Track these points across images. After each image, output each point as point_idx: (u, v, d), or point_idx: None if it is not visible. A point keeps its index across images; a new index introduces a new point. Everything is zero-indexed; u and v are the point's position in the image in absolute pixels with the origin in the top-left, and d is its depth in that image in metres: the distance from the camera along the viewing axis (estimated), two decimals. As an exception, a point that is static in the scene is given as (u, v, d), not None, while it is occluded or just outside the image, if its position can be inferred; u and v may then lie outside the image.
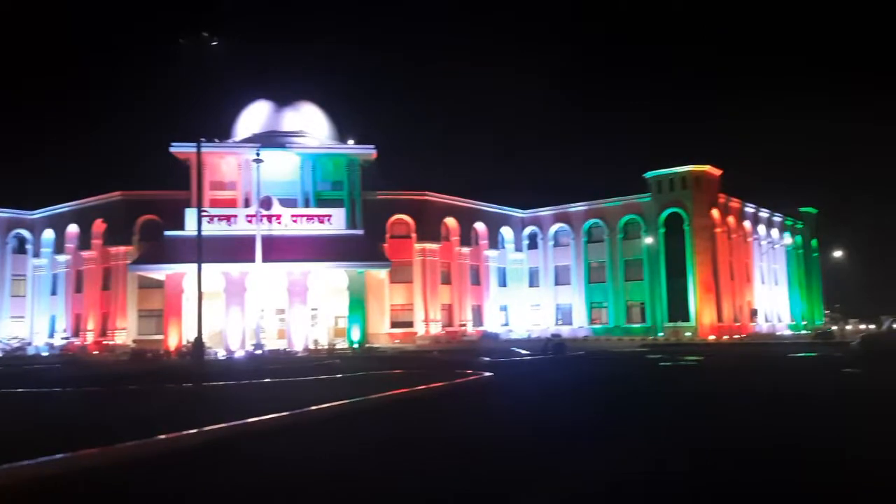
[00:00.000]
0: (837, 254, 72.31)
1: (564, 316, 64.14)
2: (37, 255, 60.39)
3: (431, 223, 57.52)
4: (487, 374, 20.48)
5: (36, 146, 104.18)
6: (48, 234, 59.88)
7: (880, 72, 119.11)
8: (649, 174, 59.67)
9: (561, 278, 64.68)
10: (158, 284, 49.02)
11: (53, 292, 59.28)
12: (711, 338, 53.02)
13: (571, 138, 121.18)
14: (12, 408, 15.29)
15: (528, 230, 66.37)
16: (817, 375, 20.76)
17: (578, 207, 64.19)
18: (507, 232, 65.09)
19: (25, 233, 60.73)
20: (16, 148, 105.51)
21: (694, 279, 56.85)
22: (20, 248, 60.66)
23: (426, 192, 57.91)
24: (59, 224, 59.10)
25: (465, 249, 60.22)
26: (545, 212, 65.82)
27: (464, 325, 58.80)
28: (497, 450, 8.98)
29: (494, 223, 63.68)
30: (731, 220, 61.77)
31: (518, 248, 65.68)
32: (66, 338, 56.17)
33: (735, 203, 62.80)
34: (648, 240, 58.79)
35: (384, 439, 10.04)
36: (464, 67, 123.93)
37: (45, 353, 53.47)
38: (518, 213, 66.03)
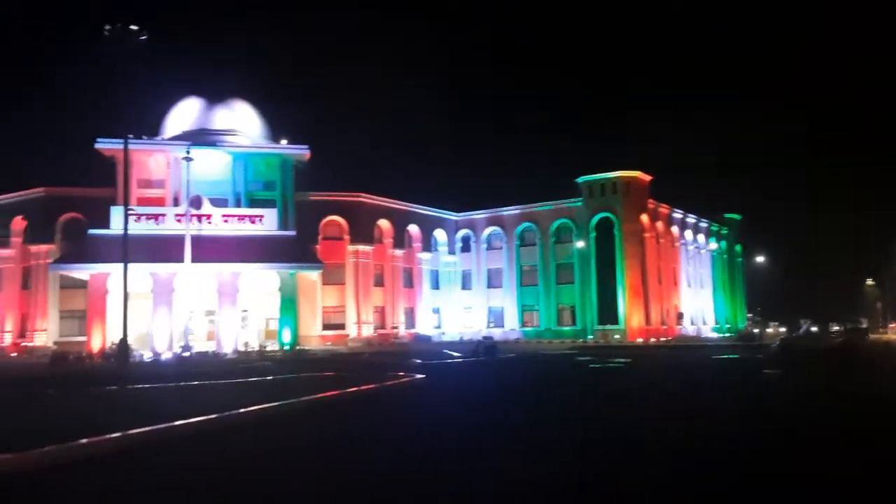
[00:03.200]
0: (759, 259, 76.02)
1: (496, 318, 65.12)
2: (-52, 252, 57.11)
3: (365, 225, 57.47)
4: (419, 376, 20.80)
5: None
6: (-38, 231, 56.73)
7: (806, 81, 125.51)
8: (581, 179, 61.28)
9: (493, 281, 65.63)
10: (82, 284, 47.26)
11: (-34, 292, 56.19)
12: (639, 340, 54.80)
13: (505, 142, 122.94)
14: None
15: (461, 233, 67.07)
16: (738, 376, 21.95)
17: (511, 211, 65.30)
18: (440, 235, 65.60)
19: (-64, 229, 57.35)
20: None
21: (623, 283, 58.66)
22: (-71, 245, 57.23)
23: (360, 194, 57.82)
24: (-27, 221, 56.05)
25: (399, 252, 60.40)
26: (478, 215, 66.67)
27: (396, 328, 58.96)
28: (423, 448, 9.30)
29: (428, 226, 64.11)
30: (659, 225, 64.02)
31: (451, 251, 66.30)
32: (-20, 340, 53.43)
33: (664, 209, 65.13)
34: (579, 244, 60.37)
35: (311, 441, 10.21)
36: (398, 68, 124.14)
37: (-44, 356, 50.76)
38: (452, 216, 66.66)
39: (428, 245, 63.76)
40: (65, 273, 47.73)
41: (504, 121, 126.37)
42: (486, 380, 21.86)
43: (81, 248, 46.00)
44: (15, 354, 48.80)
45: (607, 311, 58.81)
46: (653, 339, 55.90)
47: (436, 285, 64.73)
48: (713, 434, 10.07)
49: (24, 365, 36.64)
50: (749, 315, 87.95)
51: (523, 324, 63.73)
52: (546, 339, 58.50)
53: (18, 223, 53.39)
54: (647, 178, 61.22)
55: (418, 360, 30.68)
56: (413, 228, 62.48)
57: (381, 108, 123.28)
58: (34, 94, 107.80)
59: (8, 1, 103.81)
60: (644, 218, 60.94)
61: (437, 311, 64.63)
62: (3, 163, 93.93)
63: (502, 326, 63.84)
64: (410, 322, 61.08)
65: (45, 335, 50.56)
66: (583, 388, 18.38)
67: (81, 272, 45.84)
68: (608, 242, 59.77)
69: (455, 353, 37.34)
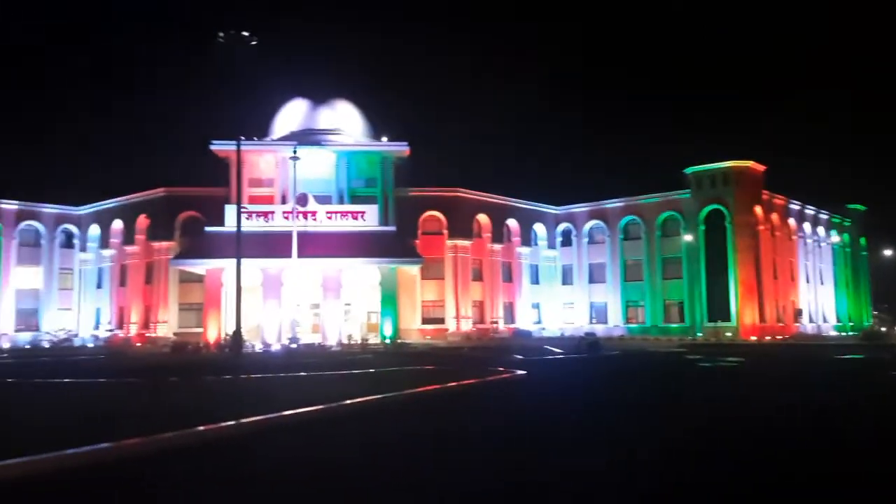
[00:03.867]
0: (887, 252, 70.32)
1: (599, 314, 63.62)
2: (83, 249, 62.18)
3: (463, 220, 57.58)
4: (520, 372, 20.50)
5: (83, 144, 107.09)
6: (94, 230, 61.58)
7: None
8: (689, 170, 58.73)
9: (595, 276, 64.13)
10: (198, 279, 50.11)
11: (99, 286, 60.98)
12: (753, 338, 52.02)
13: (608, 133, 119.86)
14: (60, 397, 15.88)
15: (561, 227, 65.92)
16: (864, 378, 20.31)
17: (615, 204, 63.53)
18: (539, 228, 64.76)
19: (73, 228, 62.55)
20: (63, 146, 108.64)
21: (735, 278, 55.82)
22: (68, 242, 62.49)
23: (458, 189, 58.00)
24: (104, 220, 60.74)
25: (497, 246, 60.14)
26: (580, 208, 65.30)
27: (495, 323, 58.77)
28: (523, 448, 9.04)
29: (527, 220, 63.44)
30: (774, 217, 60.48)
31: (551, 245, 65.32)
32: (111, 330, 57.77)
33: (779, 200, 61.47)
34: (688, 237, 57.90)
35: (416, 434, 10.17)
36: (497, 62, 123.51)
37: (90, 345, 55.14)
38: (552, 210, 65.65)
39: (527, 239, 63.13)
40: (183, 268, 50.74)
41: (605, 111, 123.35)
42: (591, 377, 21.25)
43: (198, 245, 48.72)
44: (139, 344, 52.35)
45: (718, 308, 56.15)
46: (767, 338, 52.86)
47: (535, 280, 64.01)
48: (845, 438, 9.21)
49: (148, 354, 39.23)
50: (875, 313, 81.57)
51: (627, 320, 61.93)
52: (652, 336, 56.56)
53: (142, 221, 57.22)
54: (761, 167, 57.90)
55: (519, 356, 30.35)
56: (512, 222, 62.04)
57: (479, 103, 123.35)
58: (154, 99, 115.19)
59: (124, 8, 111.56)
60: (758, 210, 57.68)
61: (536, 306, 63.91)
62: (129, 166, 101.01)
63: (605, 322, 62.31)
64: (509, 317, 60.73)
65: (166, 326, 53.94)
66: (694, 388, 17.46)
67: (198, 267, 48.58)
68: (719, 236, 56.99)
69: (556, 350, 36.69)
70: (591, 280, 64.27)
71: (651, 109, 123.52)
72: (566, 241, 65.67)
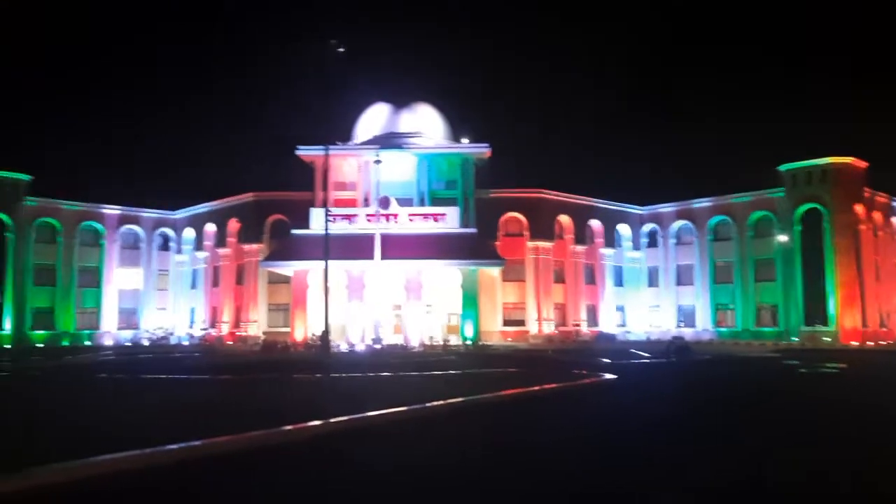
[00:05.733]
0: None
1: (686, 318, 61.54)
2: (179, 251, 65.32)
3: (545, 221, 56.95)
4: (608, 375, 20.00)
5: (177, 150, 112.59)
6: (189, 233, 64.63)
7: None
8: (783, 167, 55.98)
9: (683, 278, 62.07)
10: (286, 280, 51.72)
11: (193, 286, 63.92)
12: (854, 344, 49.06)
13: (695, 130, 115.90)
14: (159, 393, 16.66)
15: (646, 227, 64.17)
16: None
17: (703, 203, 61.30)
18: (624, 229, 63.27)
19: (169, 231, 65.85)
20: (160, 153, 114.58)
21: (834, 280, 52.79)
22: (164, 245, 65.82)
23: (539, 190, 57.43)
24: (198, 223, 63.65)
25: (580, 248, 59.16)
26: (666, 208, 63.38)
27: (578, 325, 57.81)
28: (615, 456, 8.74)
29: (610, 220, 62.11)
30: (877, 216, 56.86)
31: (636, 247, 63.70)
32: (205, 328, 60.43)
33: (882, 198, 57.72)
34: (782, 237, 55.17)
35: (502, 440, 10.03)
36: (578, 58, 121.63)
37: (185, 343, 57.92)
38: (636, 210, 64.02)
39: (611, 240, 61.82)
40: (272, 269, 52.48)
41: (691, 107, 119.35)
42: (683, 382, 20.48)
43: (285, 247, 50.28)
44: (231, 342, 54.48)
45: (815, 311, 53.21)
46: (870, 343, 49.69)
47: (619, 282, 62.60)
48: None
49: (240, 352, 40.75)
50: None
51: (717, 324, 59.61)
52: (743, 341, 54.21)
53: (233, 225, 59.59)
54: (863, 164, 54.51)
55: (604, 360, 29.68)
56: (595, 223, 60.90)
57: (559, 103, 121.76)
58: (243, 106, 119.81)
59: (211, 19, 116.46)
60: (858, 208, 54.34)
61: (620, 308, 62.47)
62: (221, 171, 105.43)
63: (693, 326, 60.19)
64: (592, 320, 59.62)
65: (256, 326, 55.92)
66: (797, 396, 16.51)
67: (286, 269, 50.13)
68: (815, 236, 54.05)
69: (643, 353, 35.67)
70: (679, 282, 62.26)
71: (740, 105, 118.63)
72: (652, 242, 63.88)
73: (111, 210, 62.65)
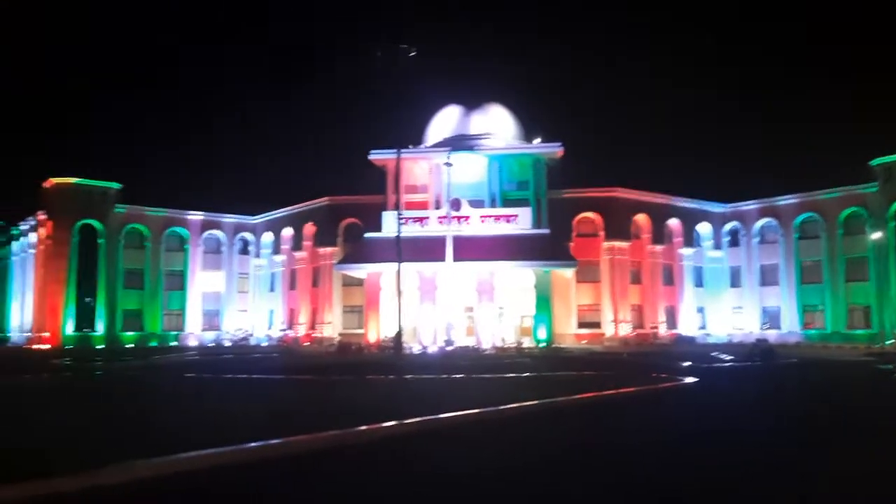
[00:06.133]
0: None
1: (771, 319, 58.86)
2: (258, 255, 67.46)
3: (620, 220, 55.66)
4: (689, 379, 19.27)
5: (257, 157, 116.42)
6: (267, 238, 66.66)
7: None
8: (876, 161, 52.79)
9: (767, 278, 59.42)
10: (359, 282, 52.53)
11: (272, 289, 65.85)
12: (956, 347, 45.69)
13: (777, 123, 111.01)
14: (240, 392, 17.12)
15: (728, 226, 61.75)
16: None
17: (788, 200, 58.51)
18: (703, 228, 61.12)
19: (248, 236, 68.12)
20: (240, 159, 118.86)
21: (932, 279, 49.38)
22: (244, 249, 68.13)
23: (614, 189, 56.19)
24: (276, 227, 65.56)
25: (657, 247, 57.51)
26: (748, 206, 60.83)
27: (656, 328, 56.19)
28: (692, 465, 8.28)
29: (690, 219, 60.10)
30: (981, 211, 52.83)
31: (717, 246, 61.42)
32: (283, 330, 62.13)
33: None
34: (876, 235, 52.02)
35: (578, 444, 9.71)
36: (655, 53, 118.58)
37: (264, 344, 59.69)
38: (716, 208, 61.72)
39: (690, 240, 59.82)
40: (345, 272, 53.42)
41: (774, 99, 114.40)
42: (768, 387, 19.48)
43: (358, 250, 51.05)
44: (307, 343, 55.75)
45: (913, 313, 49.88)
46: (979, 348, 46.11)
47: (699, 283, 60.51)
48: None
49: (316, 353, 41.60)
50: None
51: (804, 326, 56.76)
52: (833, 344, 51.35)
53: (309, 229, 61.04)
54: (966, 154, 50.78)
55: (684, 363, 28.66)
56: (673, 222, 59.07)
57: (634, 99, 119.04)
58: (321, 112, 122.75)
59: (285, 26, 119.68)
60: (959, 203, 50.64)
61: (701, 310, 60.37)
62: (297, 177, 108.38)
63: (778, 328, 57.52)
64: (671, 322, 57.84)
65: (331, 327, 57.03)
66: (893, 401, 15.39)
67: (358, 271, 50.89)
68: (913, 233, 50.68)
69: (724, 356, 34.28)
70: (763, 283, 59.65)
71: (827, 97, 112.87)
72: (734, 242, 61.45)
73: (194, 216, 65.30)
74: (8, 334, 69.85)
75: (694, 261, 60.15)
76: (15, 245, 70.90)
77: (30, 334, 62.13)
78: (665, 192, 58.75)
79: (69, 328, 58.24)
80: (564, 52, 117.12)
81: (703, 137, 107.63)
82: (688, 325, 58.26)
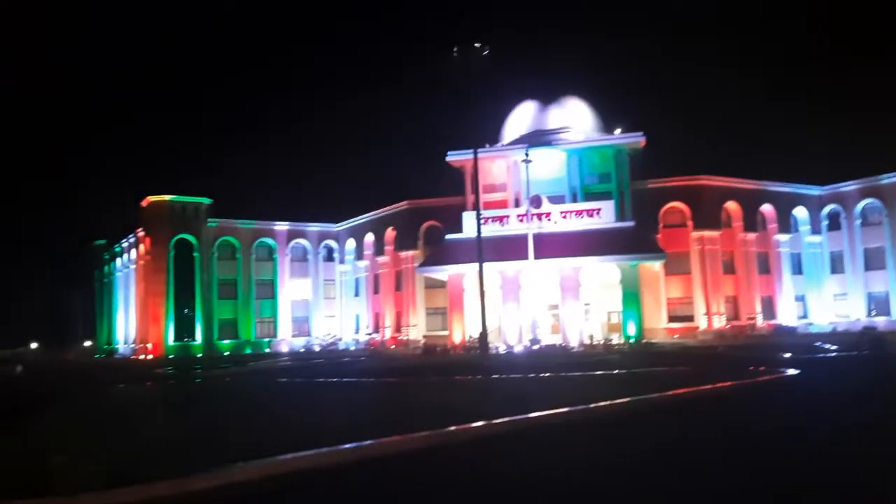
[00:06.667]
0: None
1: (879, 306, 55.03)
2: (342, 261, 68.94)
3: (709, 209, 53.43)
4: (791, 371, 18.20)
5: (337, 166, 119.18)
6: (350, 244, 68.03)
7: None
8: None
9: (872, 263, 55.59)
10: (442, 284, 52.67)
11: (356, 294, 67.14)
12: None
13: (876, 98, 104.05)
14: (333, 395, 17.41)
15: (827, 209, 58.20)
16: None
17: (893, 179, 54.61)
18: (800, 212, 57.87)
19: (332, 243, 69.76)
20: (321, 169, 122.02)
21: None
22: (329, 256, 69.81)
23: (702, 176, 53.99)
24: (358, 234, 66.80)
25: (751, 235, 54.86)
26: (849, 186, 57.13)
27: (752, 319, 53.59)
28: (795, 461, 7.67)
29: (784, 204, 57.01)
30: None
31: (815, 231, 58.01)
32: (369, 334, 63.17)
33: None
34: None
35: (672, 440, 9.24)
36: (740, 28, 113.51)
37: (352, 348, 60.90)
38: (813, 191, 58.31)
39: (786, 225, 56.74)
40: (427, 275, 53.67)
41: (870, 73, 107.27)
42: (880, 377, 18.13)
43: (440, 252, 51.19)
44: (393, 346, 56.42)
45: None
46: None
47: (798, 270, 57.32)
48: None
49: (403, 356, 42.00)
50: None
51: (917, 312, 52.77)
52: (952, 330, 47.52)
53: (390, 233, 61.83)
54: None
55: (783, 354, 27.15)
56: (766, 208, 56.19)
57: (712, 84, 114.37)
58: (397, 116, 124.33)
59: (359, 32, 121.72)
60: None
61: (801, 298, 57.19)
62: (377, 182, 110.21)
63: (888, 315, 53.72)
64: (769, 312, 55.03)
65: (416, 329, 57.50)
66: None
67: (440, 273, 51.01)
68: None
69: (829, 346, 32.27)
70: (868, 267, 55.88)
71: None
72: (833, 225, 57.88)
73: (281, 226, 67.46)
74: (115, 346, 74.29)
75: (791, 247, 57.04)
76: (118, 262, 75.36)
77: (134, 345, 65.82)
78: (756, 177, 55.97)
79: (170, 338, 61.26)
80: (639, 40, 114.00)
81: (792, 117, 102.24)
82: (787, 315, 55.29)
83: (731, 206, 54.62)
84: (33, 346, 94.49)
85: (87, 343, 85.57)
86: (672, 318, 52.46)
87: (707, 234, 52.69)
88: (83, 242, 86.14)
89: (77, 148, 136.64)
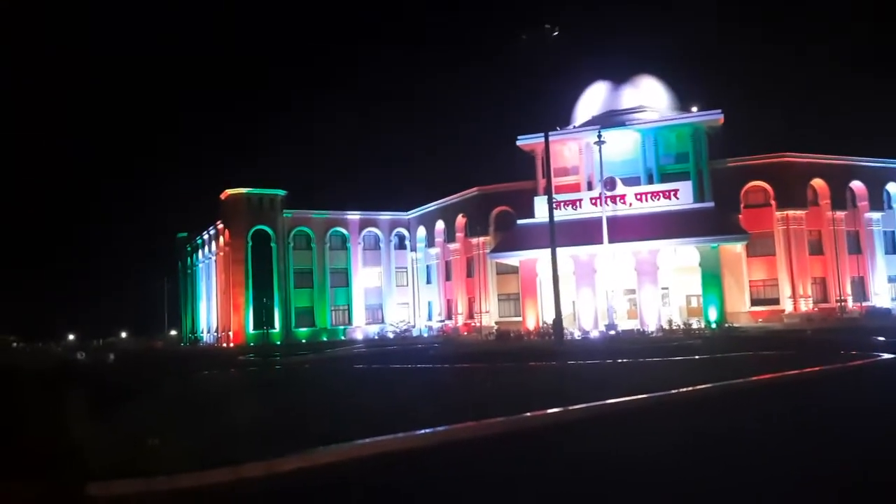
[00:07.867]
0: None
1: None
2: (413, 249, 69.49)
3: (794, 187, 50.84)
4: (887, 355, 17.13)
5: (406, 153, 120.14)
6: (421, 231, 68.47)
7: None
8: None
9: (976, 239, 51.75)
10: (514, 270, 52.32)
11: (428, 281, 67.59)
12: None
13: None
14: (408, 381, 17.53)
15: (924, 182, 54.48)
16: None
17: None
18: (893, 188, 54.38)
19: (404, 231, 70.41)
20: (391, 157, 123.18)
21: None
22: (400, 244, 70.51)
23: (785, 153, 51.40)
24: (428, 221, 67.10)
25: (840, 213, 51.93)
26: (949, 159, 53.28)
27: (842, 301, 50.86)
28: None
29: (877, 179, 53.65)
30: None
31: (911, 208, 54.41)
32: (442, 320, 63.51)
33: None
34: None
35: (756, 428, 8.77)
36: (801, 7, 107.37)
37: (425, 335, 61.38)
38: (909, 165, 54.64)
39: (878, 202, 53.42)
40: (499, 260, 53.41)
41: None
42: None
43: (511, 238, 50.81)
44: (466, 333, 56.52)
45: None
46: None
47: (892, 250, 53.94)
48: None
49: (476, 342, 41.99)
50: None
51: None
52: None
53: (461, 220, 61.79)
54: None
55: (877, 338, 25.64)
56: (857, 184, 53.04)
57: (789, 59, 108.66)
58: (467, 101, 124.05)
59: (427, 19, 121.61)
60: None
61: (894, 279, 53.91)
62: (447, 168, 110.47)
63: None
64: (861, 294, 52.10)
65: (488, 316, 57.38)
66: None
67: (512, 259, 50.65)
68: None
69: (931, 330, 30.27)
70: (973, 244, 52.05)
71: None
72: (931, 200, 54.15)
73: (353, 216, 68.60)
74: (199, 334, 77.52)
75: (884, 225, 53.70)
76: (199, 253, 78.48)
77: (217, 334, 68.46)
78: (844, 152, 52.85)
79: (250, 326, 63.37)
80: (711, 14, 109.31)
81: (881, 88, 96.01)
82: (881, 297, 52.18)
83: (818, 183, 51.85)
84: (123, 335, 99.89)
85: (173, 332, 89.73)
86: (756, 302, 50.39)
87: (792, 213, 50.22)
88: (168, 236, 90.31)
89: (161, 146, 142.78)
